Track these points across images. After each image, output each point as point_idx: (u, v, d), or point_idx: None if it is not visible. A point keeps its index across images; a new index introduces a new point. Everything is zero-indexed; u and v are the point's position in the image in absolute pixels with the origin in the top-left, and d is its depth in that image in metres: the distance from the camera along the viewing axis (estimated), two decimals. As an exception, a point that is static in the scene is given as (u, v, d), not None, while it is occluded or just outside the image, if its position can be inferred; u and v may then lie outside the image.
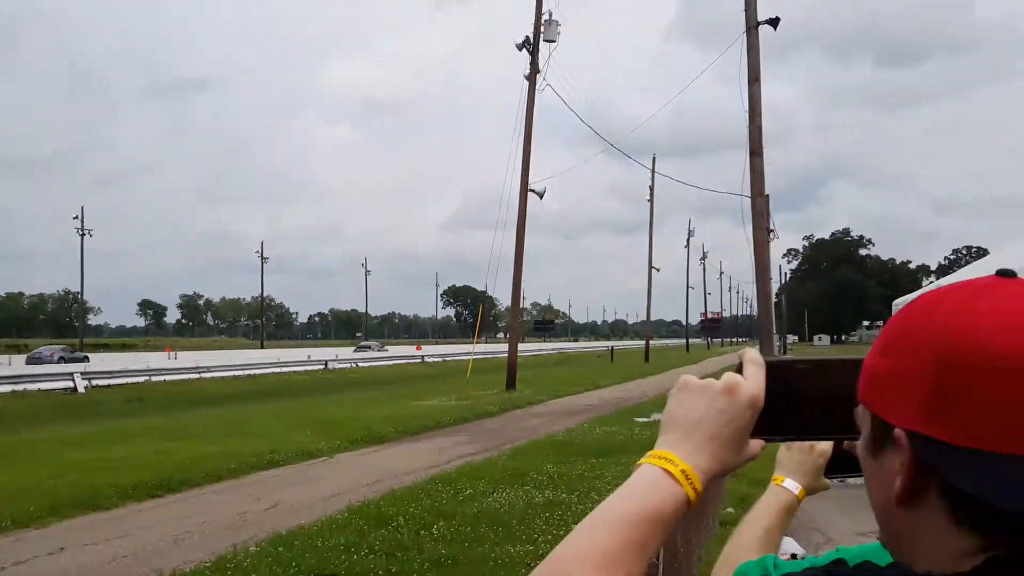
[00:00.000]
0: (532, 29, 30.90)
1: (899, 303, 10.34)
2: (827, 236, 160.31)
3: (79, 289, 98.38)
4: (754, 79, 21.05)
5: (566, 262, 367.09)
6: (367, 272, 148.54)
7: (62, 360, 51.12)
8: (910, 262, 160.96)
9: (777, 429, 0.92)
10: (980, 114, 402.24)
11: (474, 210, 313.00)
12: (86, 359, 53.92)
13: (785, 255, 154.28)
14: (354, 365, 54.10)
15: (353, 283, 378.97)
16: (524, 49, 30.76)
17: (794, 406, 0.92)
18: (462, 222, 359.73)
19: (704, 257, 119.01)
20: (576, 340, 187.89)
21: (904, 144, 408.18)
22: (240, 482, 12.48)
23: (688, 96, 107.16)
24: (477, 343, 46.80)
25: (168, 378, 38.60)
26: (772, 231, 24.06)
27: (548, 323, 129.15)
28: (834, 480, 1.37)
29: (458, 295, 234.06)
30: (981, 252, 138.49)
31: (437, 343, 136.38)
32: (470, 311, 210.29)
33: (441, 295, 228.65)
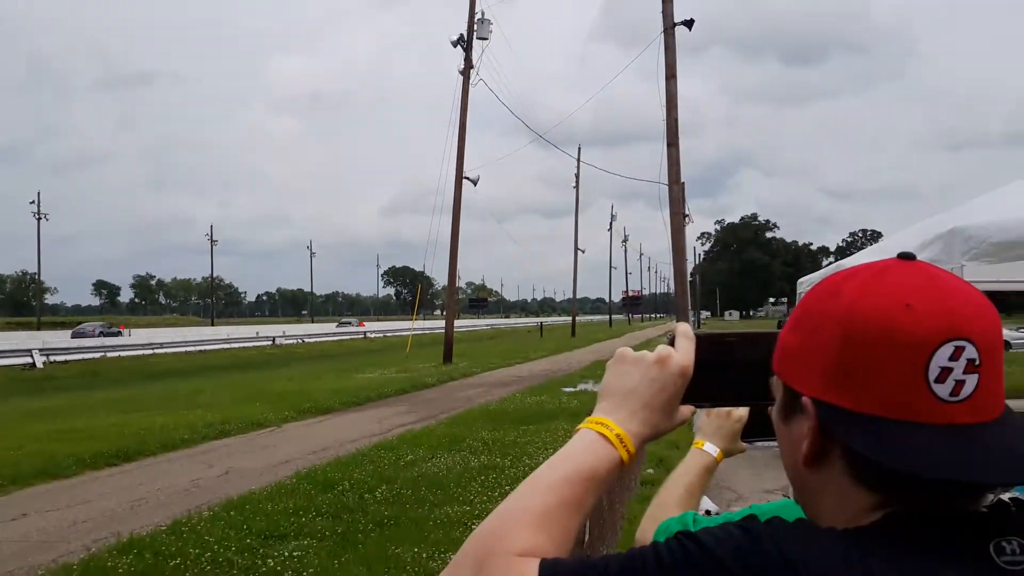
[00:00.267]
0: (466, 27, 30.71)
1: (803, 281, 10.63)
2: (737, 220, 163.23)
3: (36, 270, 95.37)
4: (671, 76, 21.24)
5: (499, 244, 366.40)
6: (312, 254, 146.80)
7: (102, 334, 52.91)
8: (812, 244, 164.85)
9: (705, 396, 0.95)
10: (874, 110, 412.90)
11: (413, 196, 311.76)
12: (119, 334, 54.60)
13: (699, 238, 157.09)
14: (300, 341, 53.48)
15: (299, 264, 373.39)
16: (459, 46, 30.56)
17: (720, 375, 0.95)
18: (402, 207, 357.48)
19: (625, 240, 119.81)
20: (508, 317, 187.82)
21: (806, 136, 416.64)
22: (193, 451, 12.25)
23: (610, 91, 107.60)
24: (416, 320, 46.50)
25: (123, 354, 37.79)
26: (687, 216, 24.55)
27: (482, 301, 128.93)
28: (749, 444, 1.41)
29: (398, 275, 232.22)
30: (876, 235, 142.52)
31: (379, 320, 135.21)
32: (409, 290, 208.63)
33: (382, 275, 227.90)
